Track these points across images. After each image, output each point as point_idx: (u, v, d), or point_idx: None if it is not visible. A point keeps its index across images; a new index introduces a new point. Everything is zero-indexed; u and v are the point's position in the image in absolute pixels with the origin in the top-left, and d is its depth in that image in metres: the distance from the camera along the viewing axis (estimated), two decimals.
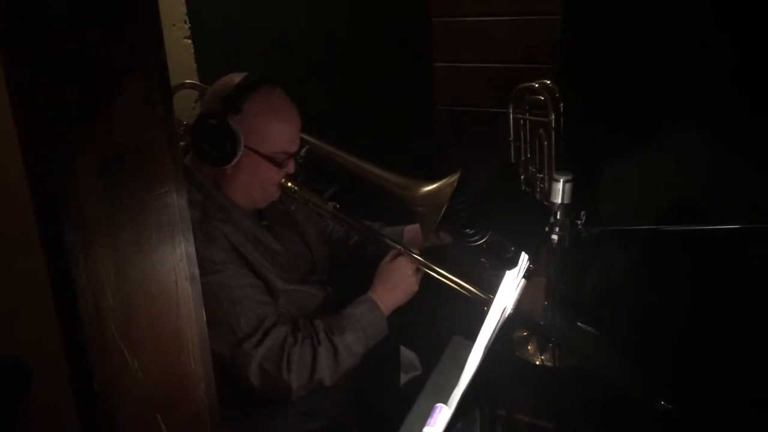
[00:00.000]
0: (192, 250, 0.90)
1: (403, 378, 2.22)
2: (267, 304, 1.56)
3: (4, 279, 0.81)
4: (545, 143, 1.89)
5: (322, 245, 1.88)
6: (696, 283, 1.94)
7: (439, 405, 1.13)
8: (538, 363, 1.74)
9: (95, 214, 0.77)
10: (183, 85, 2.26)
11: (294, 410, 1.64)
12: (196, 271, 0.92)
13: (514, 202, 1.21)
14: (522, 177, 1.97)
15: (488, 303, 1.63)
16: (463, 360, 1.20)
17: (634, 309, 2.01)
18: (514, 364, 1.70)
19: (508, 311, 1.18)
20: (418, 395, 1.32)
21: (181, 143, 1.79)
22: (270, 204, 1.73)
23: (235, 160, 1.53)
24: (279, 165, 1.61)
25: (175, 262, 0.88)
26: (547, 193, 1.69)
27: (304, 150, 1.73)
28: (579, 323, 1.80)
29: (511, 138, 1.96)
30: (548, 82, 1.92)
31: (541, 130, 1.91)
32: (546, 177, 1.90)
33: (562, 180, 1.52)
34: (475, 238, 1.15)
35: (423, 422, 1.12)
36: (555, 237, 1.52)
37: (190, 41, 2.66)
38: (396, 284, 1.67)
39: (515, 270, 1.22)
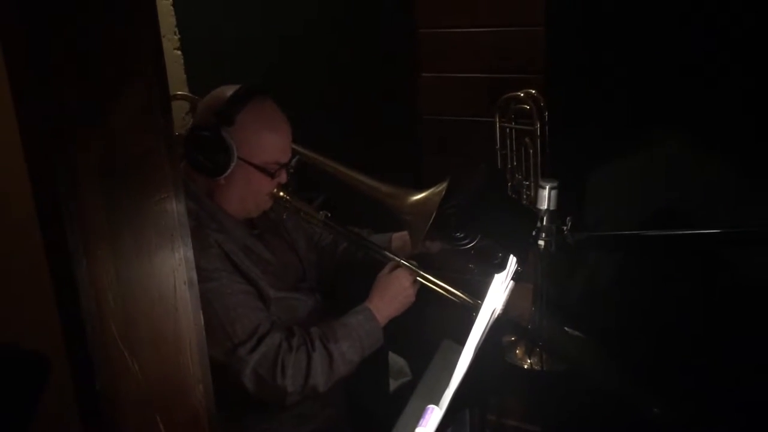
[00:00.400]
0: (190, 254, 0.92)
1: (393, 384, 2.23)
2: (261, 311, 1.58)
3: (7, 283, 0.83)
4: (531, 151, 1.93)
5: (311, 253, 1.91)
6: (680, 287, 1.98)
7: (431, 406, 1.15)
8: (526, 367, 1.77)
9: (97, 219, 0.79)
10: (175, 97, 2.28)
11: (287, 413, 1.65)
12: (194, 275, 0.94)
13: (502, 207, 1.24)
14: (509, 184, 2.00)
15: (478, 309, 1.66)
16: (453, 363, 1.22)
17: (620, 313, 2.04)
18: (503, 368, 1.73)
19: (498, 312, 1.21)
20: (409, 398, 1.34)
21: None
22: (261, 213, 1.75)
23: (229, 171, 1.55)
24: (271, 175, 1.64)
25: (174, 267, 0.90)
26: (533, 200, 1.72)
27: (294, 160, 1.76)
28: (566, 328, 1.83)
29: (498, 146, 2.00)
30: (533, 91, 1.96)
31: (526, 139, 1.94)
32: (532, 184, 1.94)
33: (547, 187, 1.56)
34: (465, 241, 1.17)
35: (415, 423, 1.14)
36: (541, 243, 1.55)
37: (180, 52, 2.68)
38: (394, 295, 1.70)
39: (504, 273, 1.25)
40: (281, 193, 1.68)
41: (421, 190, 1.68)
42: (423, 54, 2.24)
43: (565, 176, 1.63)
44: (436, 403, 1.17)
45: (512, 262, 1.25)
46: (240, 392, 1.54)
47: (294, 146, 1.74)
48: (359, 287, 1.86)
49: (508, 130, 1.99)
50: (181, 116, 2.64)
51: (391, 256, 1.73)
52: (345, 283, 2.01)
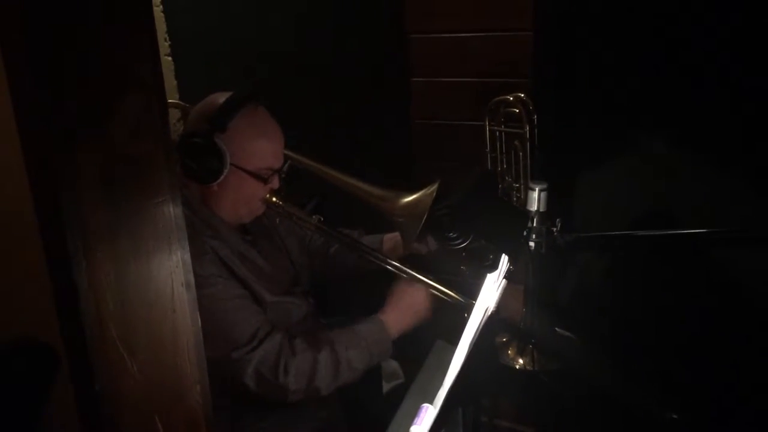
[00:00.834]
0: (187, 257, 0.94)
1: (386, 387, 2.25)
2: (259, 314, 1.60)
3: (7, 285, 0.84)
4: (520, 154, 1.95)
5: (303, 256, 1.92)
6: (669, 287, 2.00)
7: (425, 405, 1.16)
8: (517, 367, 1.79)
9: (96, 222, 0.80)
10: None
11: (284, 413, 1.66)
12: (191, 277, 0.95)
13: (495, 207, 1.26)
14: (499, 186, 2.02)
15: (470, 309, 1.68)
16: (446, 362, 1.24)
17: (610, 313, 2.06)
18: (495, 368, 1.74)
19: (491, 310, 1.23)
20: (403, 398, 1.36)
21: None
22: (254, 219, 1.76)
23: (222, 177, 1.56)
24: (264, 181, 1.66)
25: (172, 269, 0.91)
26: (523, 201, 1.74)
27: (285, 165, 1.78)
28: (557, 328, 1.85)
29: (488, 149, 2.02)
30: (522, 95, 1.98)
31: (516, 142, 1.97)
32: (522, 186, 1.96)
33: (537, 189, 1.58)
34: (458, 241, 1.19)
35: (410, 422, 1.15)
36: (532, 244, 1.57)
37: (170, 58, 2.69)
38: (408, 309, 1.73)
39: (496, 272, 1.27)
40: (274, 199, 1.70)
41: (411, 192, 1.69)
42: (413, 59, 2.26)
43: (554, 178, 1.65)
44: (430, 401, 1.19)
45: (504, 261, 1.27)
46: (236, 392, 1.55)
47: (285, 151, 1.75)
48: (352, 289, 1.88)
49: (497, 133, 2.01)
50: (172, 123, 2.65)
51: (393, 262, 1.74)
52: (337, 285, 2.02)
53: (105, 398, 0.83)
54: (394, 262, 1.73)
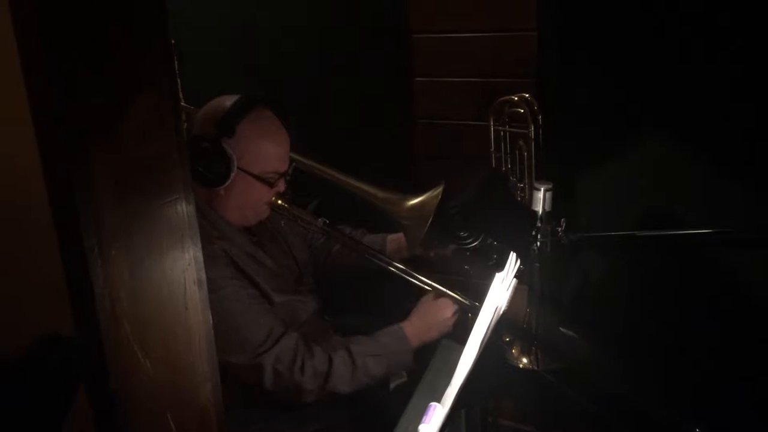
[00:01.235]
0: (199, 255, 0.94)
1: (390, 385, 2.25)
2: (272, 313, 1.61)
3: (23, 283, 0.85)
4: (525, 154, 1.96)
5: (306, 253, 1.93)
6: (674, 287, 2.01)
7: (433, 403, 1.17)
8: (521, 366, 1.80)
9: (110, 220, 0.81)
10: None
11: (288, 411, 1.67)
12: (203, 275, 0.96)
13: (505, 206, 1.27)
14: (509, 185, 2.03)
15: (473, 309, 1.69)
16: (453, 361, 1.24)
17: (614, 313, 2.07)
18: (501, 367, 1.75)
19: (502, 310, 1.23)
20: (409, 397, 1.36)
21: None
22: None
23: (229, 181, 1.57)
24: (270, 184, 1.66)
25: (184, 267, 0.92)
26: (528, 202, 1.75)
27: (290, 168, 1.78)
28: (561, 328, 1.86)
29: (492, 149, 2.03)
30: (527, 95, 1.99)
31: (520, 142, 1.97)
32: (526, 186, 1.96)
33: (542, 189, 1.59)
34: (469, 240, 1.20)
35: (418, 420, 1.16)
36: (536, 244, 1.58)
37: None
38: (433, 322, 1.73)
39: (504, 271, 1.27)
40: (279, 202, 1.71)
41: (417, 195, 1.71)
42: (417, 58, 2.26)
43: (558, 178, 1.66)
44: (438, 400, 1.19)
45: (513, 260, 1.27)
46: (243, 391, 1.56)
47: (291, 154, 1.76)
48: (354, 286, 1.88)
49: (502, 133, 2.01)
50: None
51: (397, 264, 1.75)
52: (341, 283, 2.03)
53: (119, 396, 0.84)
54: (399, 265, 1.74)
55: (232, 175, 1.57)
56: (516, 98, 1.98)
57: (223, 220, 1.67)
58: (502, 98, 2.00)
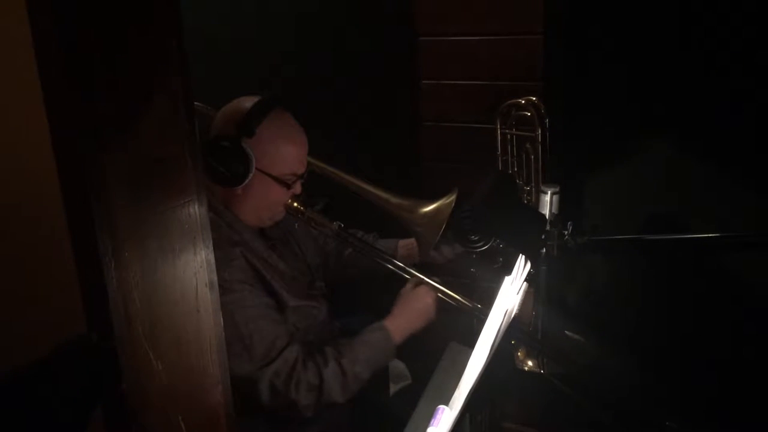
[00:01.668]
0: (211, 257, 0.94)
1: (393, 388, 2.25)
2: (279, 324, 1.61)
3: (37, 285, 0.85)
4: (532, 157, 1.96)
5: (318, 257, 1.93)
6: (681, 291, 2.01)
7: (442, 406, 1.17)
8: (527, 369, 1.80)
9: (124, 222, 0.81)
10: None
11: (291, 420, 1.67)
12: (215, 277, 0.96)
13: (515, 210, 1.27)
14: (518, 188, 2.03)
15: (477, 313, 1.69)
16: (461, 364, 1.24)
17: (621, 317, 2.07)
18: (508, 371, 1.75)
19: (513, 313, 1.23)
20: (414, 400, 1.36)
21: None
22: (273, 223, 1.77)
23: (247, 181, 1.57)
24: (288, 186, 1.67)
25: (196, 269, 0.92)
26: (535, 205, 1.75)
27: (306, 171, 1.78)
28: (567, 331, 1.86)
29: (499, 152, 2.03)
30: (534, 98, 1.99)
31: (527, 145, 1.97)
32: (533, 189, 1.96)
33: (549, 192, 1.59)
34: (480, 243, 1.20)
35: (426, 424, 1.16)
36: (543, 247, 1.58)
37: None
38: (415, 313, 1.73)
39: (513, 274, 1.27)
40: (295, 204, 1.71)
41: (431, 201, 1.71)
42: (423, 61, 2.26)
43: (565, 181, 1.66)
44: (446, 403, 1.19)
45: (523, 263, 1.27)
46: (249, 407, 1.56)
47: (308, 158, 1.76)
48: (365, 291, 1.88)
49: (509, 136, 2.01)
50: None
51: (409, 269, 1.75)
52: (352, 287, 2.03)
53: (131, 397, 0.84)
54: (412, 270, 1.74)
55: (251, 175, 1.57)
56: (523, 101, 1.98)
57: (240, 222, 1.67)
58: (508, 101, 2.00)
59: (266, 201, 1.67)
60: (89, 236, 0.78)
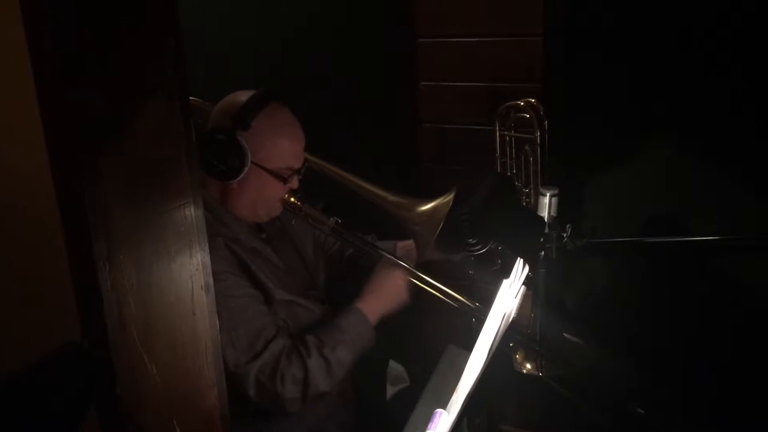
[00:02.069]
0: (207, 260, 0.94)
1: (391, 390, 2.25)
2: (265, 315, 1.59)
3: (31, 287, 0.84)
4: (531, 159, 1.95)
5: (319, 258, 1.92)
6: (680, 293, 2.00)
7: (439, 410, 1.16)
8: (525, 372, 1.79)
9: (119, 224, 0.81)
10: None
11: (285, 416, 1.66)
12: (211, 280, 0.95)
13: (514, 212, 1.26)
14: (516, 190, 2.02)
15: (475, 313, 1.68)
16: (459, 367, 1.23)
17: (620, 319, 2.06)
18: (506, 374, 1.74)
19: (511, 317, 1.23)
20: (412, 402, 1.36)
21: None
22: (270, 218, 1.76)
23: (242, 174, 1.57)
24: (284, 180, 1.66)
25: (192, 272, 0.91)
26: (534, 207, 1.74)
27: (303, 166, 1.78)
28: (565, 334, 1.85)
29: (497, 154, 2.02)
30: (533, 100, 1.98)
31: (526, 147, 1.97)
32: (532, 191, 1.96)
33: (548, 194, 1.58)
34: (478, 246, 1.19)
35: (423, 427, 1.15)
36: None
37: None
38: (387, 294, 1.72)
39: (511, 278, 1.27)
40: (292, 199, 1.70)
41: (428, 200, 1.70)
42: (422, 62, 2.26)
43: (564, 183, 1.65)
44: (444, 407, 1.19)
45: (521, 267, 1.27)
46: (237, 396, 1.54)
47: (306, 154, 1.75)
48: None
49: (507, 138, 2.01)
50: None
51: (404, 264, 1.74)
52: (351, 290, 2.02)
53: (125, 400, 0.84)
54: (410, 267, 1.73)
55: (246, 168, 1.56)
56: (522, 103, 1.98)
57: (230, 215, 1.66)
58: (507, 103, 2.00)
59: (262, 195, 1.66)
60: (84, 239, 0.77)
